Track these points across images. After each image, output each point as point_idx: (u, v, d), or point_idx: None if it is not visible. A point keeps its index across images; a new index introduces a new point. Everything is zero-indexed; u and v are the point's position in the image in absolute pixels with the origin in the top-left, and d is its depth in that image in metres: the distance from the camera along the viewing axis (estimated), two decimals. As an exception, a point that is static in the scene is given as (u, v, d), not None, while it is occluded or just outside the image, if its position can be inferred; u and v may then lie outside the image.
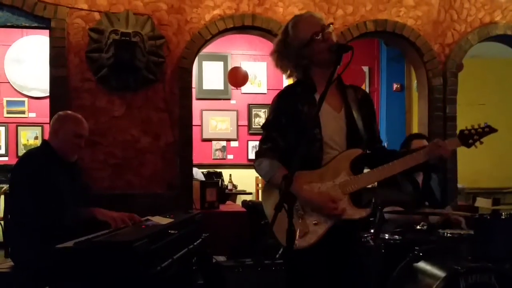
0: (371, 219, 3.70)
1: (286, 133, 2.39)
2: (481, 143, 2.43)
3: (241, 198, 7.40)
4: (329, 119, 2.36)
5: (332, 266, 2.36)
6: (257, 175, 2.52)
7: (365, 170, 2.47)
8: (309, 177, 2.33)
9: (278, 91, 2.56)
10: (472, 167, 7.12)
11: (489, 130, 2.44)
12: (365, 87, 8.33)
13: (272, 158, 2.39)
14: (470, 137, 2.43)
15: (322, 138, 2.34)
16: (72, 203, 3.23)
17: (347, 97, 2.46)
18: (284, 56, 2.47)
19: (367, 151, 2.47)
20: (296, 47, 2.43)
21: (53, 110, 4.71)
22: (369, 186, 2.99)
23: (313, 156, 2.33)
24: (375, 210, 3.56)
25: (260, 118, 8.26)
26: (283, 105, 2.42)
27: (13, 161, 7.10)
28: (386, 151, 2.60)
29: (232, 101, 8.39)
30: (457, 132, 2.51)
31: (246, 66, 8.02)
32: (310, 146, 2.31)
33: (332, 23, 2.44)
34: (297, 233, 2.07)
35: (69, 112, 3.65)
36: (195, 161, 5.67)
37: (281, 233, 2.16)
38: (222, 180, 7.37)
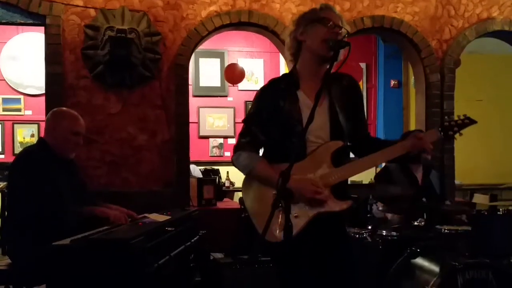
0: (368, 215, 3.71)
1: (266, 127, 2.39)
2: (461, 134, 2.45)
3: (238, 195, 7.38)
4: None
5: (318, 258, 2.35)
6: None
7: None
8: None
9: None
10: (470, 163, 7.13)
11: (469, 121, 2.45)
12: (363, 83, 8.32)
13: (251, 151, 2.40)
14: (450, 129, 2.44)
15: (305, 133, 2.30)
16: (71, 201, 3.22)
17: (331, 89, 2.42)
18: (296, 26, 2.45)
19: (348, 143, 2.46)
20: (307, 19, 2.42)
21: (49, 108, 4.68)
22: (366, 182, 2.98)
23: (297, 151, 2.28)
24: (367, 205, 3.56)
25: (257, 115, 8.23)
26: (265, 100, 2.42)
27: (10, 158, 7.10)
28: (370, 139, 2.56)
29: (229, 98, 8.37)
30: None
31: (243, 62, 7.99)
32: (293, 142, 2.30)
33: (348, 32, 2.40)
34: (278, 226, 2.05)
35: (64, 108, 3.63)
36: (192, 158, 5.66)
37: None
38: (219, 177, 7.35)
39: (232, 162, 2.47)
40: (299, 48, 2.44)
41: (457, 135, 2.44)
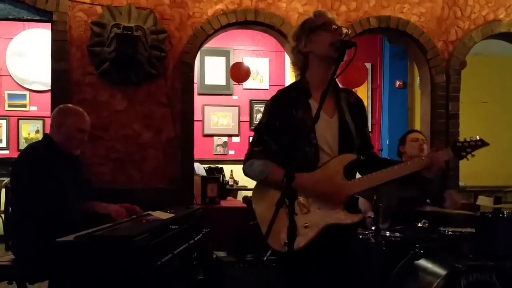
0: (372, 216, 3.70)
1: (279, 136, 2.37)
2: (473, 156, 2.46)
3: (242, 194, 7.39)
4: (323, 124, 2.32)
5: (327, 268, 2.34)
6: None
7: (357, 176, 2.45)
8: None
9: (280, 87, 2.54)
10: (474, 165, 7.08)
11: (481, 143, 2.47)
12: (368, 84, 8.30)
13: (264, 159, 2.36)
14: (463, 150, 2.46)
15: (317, 143, 2.32)
16: (75, 197, 3.23)
17: (340, 102, 2.43)
18: (298, 38, 2.43)
19: (361, 157, 2.46)
20: (307, 29, 2.40)
21: (54, 104, 4.70)
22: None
23: (308, 161, 2.30)
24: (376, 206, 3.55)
25: (262, 114, 8.25)
26: (277, 109, 2.40)
27: (14, 154, 7.13)
28: (378, 158, 2.59)
29: (234, 97, 8.38)
30: (454, 139, 2.56)
31: (248, 61, 8.00)
32: (306, 151, 2.29)
33: (348, 31, 2.41)
34: (286, 235, 2.01)
35: (70, 105, 3.64)
36: (197, 156, 5.67)
37: (272, 236, 2.11)
38: (223, 176, 7.37)
39: (244, 171, 2.42)
40: (306, 61, 2.42)
41: (469, 156, 2.46)
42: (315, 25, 2.38)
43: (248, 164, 2.40)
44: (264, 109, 2.47)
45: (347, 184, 2.33)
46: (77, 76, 4.98)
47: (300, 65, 2.45)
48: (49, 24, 5.03)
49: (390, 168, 2.39)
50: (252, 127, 8.24)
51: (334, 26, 2.35)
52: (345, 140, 2.38)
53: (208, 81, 8.26)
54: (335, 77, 2.25)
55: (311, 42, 2.39)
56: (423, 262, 3.37)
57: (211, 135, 8.30)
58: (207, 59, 8.23)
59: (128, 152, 5.06)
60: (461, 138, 2.50)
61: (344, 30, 2.38)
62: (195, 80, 5.66)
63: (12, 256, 3.32)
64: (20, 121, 7.71)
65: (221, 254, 4.17)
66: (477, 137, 2.49)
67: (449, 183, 5.11)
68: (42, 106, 7.46)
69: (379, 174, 2.38)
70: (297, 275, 2.29)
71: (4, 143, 7.66)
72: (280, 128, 2.36)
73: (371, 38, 7.95)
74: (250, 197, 5.63)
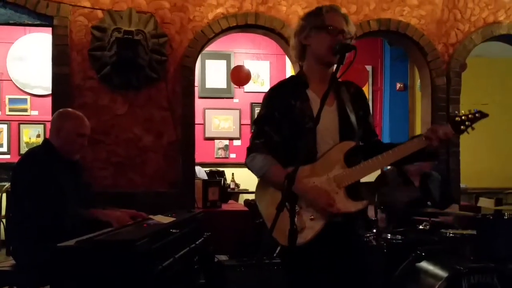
0: (373, 218, 3.70)
1: (279, 127, 2.37)
2: (473, 129, 2.36)
3: (243, 197, 7.38)
4: (322, 113, 2.23)
5: (333, 263, 2.33)
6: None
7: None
8: (303, 172, 2.27)
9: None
10: (475, 167, 7.11)
11: (480, 115, 2.36)
12: (368, 86, 8.30)
13: (266, 153, 2.36)
14: (462, 123, 2.35)
15: (316, 132, 2.30)
16: (75, 202, 3.22)
17: (339, 93, 2.43)
18: (301, 29, 2.43)
19: (361, 143, 2.46)
20: (311, 23, 2.40)
21: (55, 108, 4.70)
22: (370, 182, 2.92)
23: (308, 150, 2.28)
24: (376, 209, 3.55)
25: (263, 117, 8.24)
26: (276, 100, 2.40)
27: (15, 159, 7.06)
28: (383, 144, 2.55)
29: (235, 100, 8.38)
30: (453, 114, 2.45)
31: (249, 64, 8.00)
32: (305, 141, 2.27)
33: (352, 38, 2.39)
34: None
35: (70, 110, 3.63)
36: (198, 160, 5.66)
37: (279, 232, 2.13)
38: (225, 179, 7.36)
39: (245, 164, 2.42)
40: (303, 51, 2.44)
41: (469, 130, 2.35)
42: (319, 24, 2.37)
43: (250, 158, 2.40)
44: (263, 101, 2.47)
45: (347, 171, 2.31)
46: (78, 80, 4.99)
47: (298, 54, 2.47)
48: (50, 29, 5.04)
49: (390, 151, 2.35)
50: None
51: (335, 31, 2.33)
52: (346, 128, 2.38)
53: (209, 84, 8.27)
54: (337, 78, 2.25)
55: (311, 37, 2.39)
56: (424, 264, 3.38)
57: (212, 139, 8.30)
58: (208, 62, 8.23)
59: (129, 156, 5.06)
60: (461, 113, 2.39)
61: (348, 36, 2.36)
62: (196, 83, 5.66)
63: (13, 262, 3.31)
64: (21, 125, 7.71)
65: (223, 257, 4.17)
66: (475, 109, 2.40)
67: (451, 185, 5.12)
68: (43, 110, 7.46)
69: (380, 158, 2.35)
70: (301, 272, 2.29)
71: (5, 148, 7.67)
72: (279, 119, 2.36)
73: (372, 40, 7.96)
74: (252, 200, 5.66)
